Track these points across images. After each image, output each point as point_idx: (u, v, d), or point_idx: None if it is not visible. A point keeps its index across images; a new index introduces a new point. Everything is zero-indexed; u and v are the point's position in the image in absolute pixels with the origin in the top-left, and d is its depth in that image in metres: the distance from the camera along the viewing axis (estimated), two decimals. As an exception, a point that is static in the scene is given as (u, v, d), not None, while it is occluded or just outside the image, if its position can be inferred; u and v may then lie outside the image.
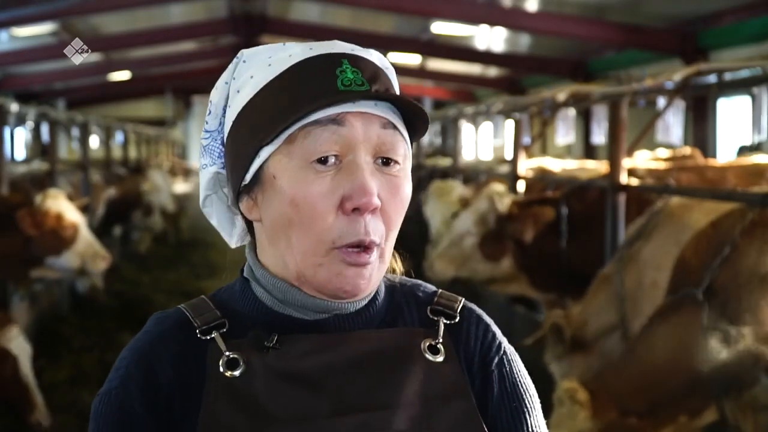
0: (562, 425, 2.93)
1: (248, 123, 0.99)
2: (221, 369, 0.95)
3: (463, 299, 1.09)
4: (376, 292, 1.04)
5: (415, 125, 1.01)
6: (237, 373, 0.95)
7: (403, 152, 0.98)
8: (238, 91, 1.01)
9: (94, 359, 5.94)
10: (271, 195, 0.98)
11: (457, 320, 1.05)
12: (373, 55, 1.01)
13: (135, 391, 0.96)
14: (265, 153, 0.97)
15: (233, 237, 1.11)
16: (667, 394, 2.89)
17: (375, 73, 0.98)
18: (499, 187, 5.22)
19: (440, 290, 1.10)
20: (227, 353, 0.96)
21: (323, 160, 0.95)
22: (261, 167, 0.98)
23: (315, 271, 0.96)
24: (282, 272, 1.01)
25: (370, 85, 0.96)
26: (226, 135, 1.03)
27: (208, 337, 0.98)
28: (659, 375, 2.91)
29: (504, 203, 4.91)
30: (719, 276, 2.93)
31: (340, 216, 0.94)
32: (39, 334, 6.32)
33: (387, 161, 0.97)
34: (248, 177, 1.00)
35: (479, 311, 1.09)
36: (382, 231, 0.96)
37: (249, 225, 1.07)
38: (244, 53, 1.03)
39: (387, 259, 0.99)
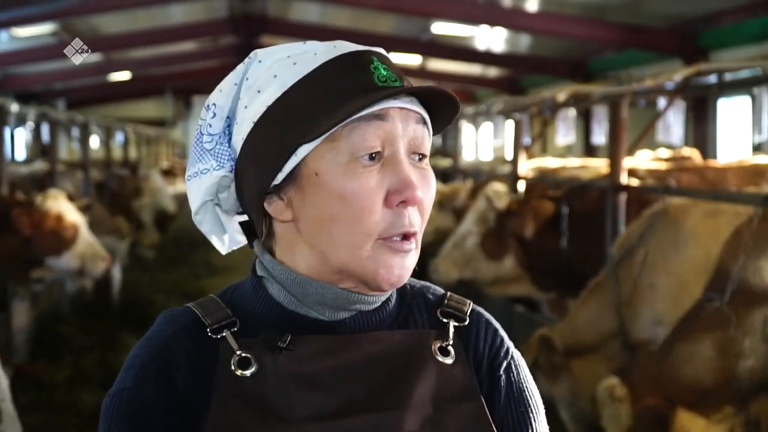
0: (611, 425, 2.98)
1: (279, 122, 0.98)
2: (232, 368, 0.95)
3: (472, 302, 1.09)
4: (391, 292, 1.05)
5: (437, 118, 1.03)
6: (248, 372, 0.95)
7: (428, 146, 1.02)
8: (259, 91, 1.00)
9: (94, 359, 5.94)
10: (313, 192, 0.97)
11: (466, 323, 1.06)
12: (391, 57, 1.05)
13: (150, 389, 0.96)
14: (303, 151, 0.97)
15: (225, 242, 1.09)
16: (706, 387, 2.91)
17: (399, 70, 1.01)
18: (498, 185, 5.22)
19: (449, 293, 1.10)
20: (239, 352, 0.96)
21: (370, 156, 0.97)
22: (298, 165, 0.98)
23: (362, 264, 0.97)
24: (316, 268, 1.00)
25: (401, 81, 0.99)
26: (244, 136, 1.01)
27: (219, 336, 0.98)
28: (696, 371, 2.94)
29: (503, 201, 4.91)
30: (739, 283, 2.93)
31: (386, 209, 0.97)
32: (39, 334, 6.32)
33: (419, 156, 1.00)
34: (280, 177, 0.99)
35: (488, 315, 1.09)
36: (420, 222, 1.00)
37: (247, 226, 1.07)
38: (259, 53, 1.02)
39: (419, 249, 1.01)
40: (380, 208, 0.96)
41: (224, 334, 0.98)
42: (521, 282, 4.97)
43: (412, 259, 0.99)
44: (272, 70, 1.00)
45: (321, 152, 0.96)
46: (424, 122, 1.00)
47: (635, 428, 2.94)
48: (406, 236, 0.97)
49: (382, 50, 1.03)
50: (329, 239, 0.98)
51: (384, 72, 0.98)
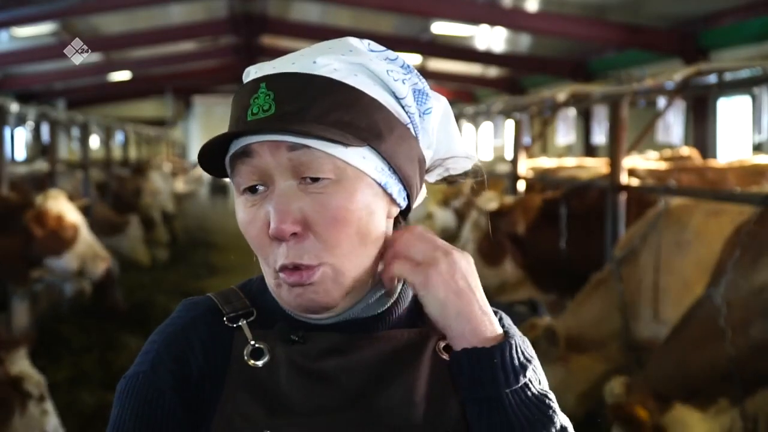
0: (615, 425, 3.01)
1: None
2: (245, 357, 0.97)
3: None
4: (402, 295, 1.05)
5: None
6: (260, 363, 0.97)
7: (331, 167, 0.95)
8: None
9: (94, 359, 5.93)
10: None
11: None
12: (320, 62, 0.96)
13: (165, 374, 0.98)
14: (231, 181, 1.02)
15: None
16: (700, 380, 2.94)
17: (296, 90, 0.95)
18: (489, 194, 5.23)
19: None
20: (252, 342, 0.98)
21: (251, 190, 0.97)
22: None
23: (278, 291, 0.99)
24: None
25: (278, 107, 0.94)
26: None
27: (235, 325, 1.01)
28: (690, 366, 2.98)
29: (492, 204, 4.93)
30: (733, 278, 2.95)
31: (273, 242, 0.96)
32: (39, 334, 6.31)
33: (314, 178, 0.95)
34: None
35: (500, 315, 1.09)
36: (318, 253, 0.95)
37: None
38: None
39: (349, 274, 0.97)
40: (266, 241, 0.96)
41: (240, 323, 1.00)
42: (524, 285, 4.98)
43: (326, 286, 0.96)
44: None
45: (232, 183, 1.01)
46: (305, 146, 0.94)
47: (614, 426, 2.97)
48: (296, 267, 0.94)
49: (303, 65, 0.96)
50: (260, 264, 1.02)
51: (261, 101, 0.95)
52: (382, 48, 1.02)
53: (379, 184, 0.98)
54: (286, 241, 0.94)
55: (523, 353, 0.96)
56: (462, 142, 1.09)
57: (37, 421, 3.45)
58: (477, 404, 0.95)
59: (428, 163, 1.06)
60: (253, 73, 0.99)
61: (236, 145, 0.97)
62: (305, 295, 0.96)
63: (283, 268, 0.95)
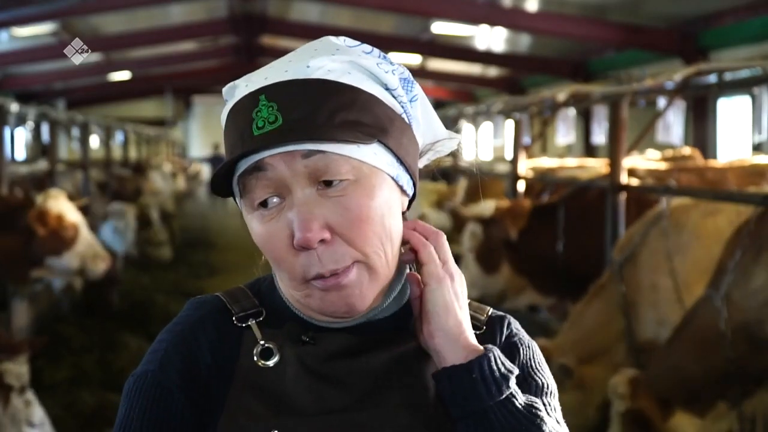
0: (614, 420, 3.05)
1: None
2: (254, 357, 0.97)
3: (491, 309, 1.09)
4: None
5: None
6: (270, 363, 0.97)
7: (348, 168, 0.94)
8: None
9: (94, 359, 5.93)
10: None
11: (483, 330, 1.05)
12: (313, 65, 0.95)
13: (173, 374, 0.98)
14: (238, 201, 1.01)
15: None
16: (700, 383, 2.94)
17: (298, 97, 0.94)
18: (485, 202, 5.24)
19: (469, 300, 1.09)
20: (262, 342, 0.98)
21: (264, 204, 0.96)
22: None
23: (306, 301, 0.98)
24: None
25: (285, 117, 0.92)
26: None
27: (244, 325, 1.00)
28: (690, 369, 2.98)
29: (487, 209, 4.93)
30: (733, 280, 2.94)
31: (298, 253, 0.94)
32: (39, 334, 6.31)
33: (329, 182, 0.94)
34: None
35: (509, 319, 1.09)
36: (350, 253, 0.94)
37: None
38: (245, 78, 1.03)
39: (381, 271, 0.97)
40: (291, 252, 0.94)
41: (250, 323, 1.00)
42: (525, 290, 4.98)
43: (362, 287, 0.96)
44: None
45: (242, 204, 0.99)
46: (320, 150, 0.93)
47: (623, 426, 2.98)
48: (334, 273, 0.94)
49: (297, 71, 0.95)
50: (278, 276, 1.01)
51: (265, 113, 0.93)
52: (357, 42, 1.01)
53: (393, 178, 0.99)
54: (314, 248, 0.93)
55: (503, 364, 0.95)
56: (441, 123, 1.09)
57: (23, 412, 3.44)
58: (464, 420, 0.94)
59: (420, 149, 1.06)
60: (243, 87, 0.98)
61: (246, 162, 0.95)
62: (341, 300, 0.95)
63: (319, 277, 0.94)
